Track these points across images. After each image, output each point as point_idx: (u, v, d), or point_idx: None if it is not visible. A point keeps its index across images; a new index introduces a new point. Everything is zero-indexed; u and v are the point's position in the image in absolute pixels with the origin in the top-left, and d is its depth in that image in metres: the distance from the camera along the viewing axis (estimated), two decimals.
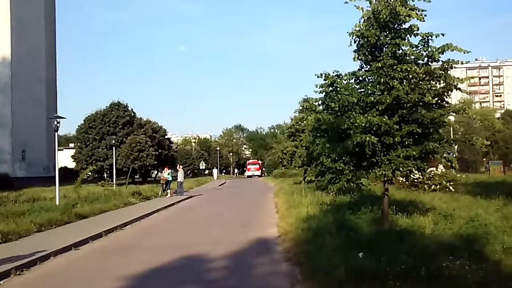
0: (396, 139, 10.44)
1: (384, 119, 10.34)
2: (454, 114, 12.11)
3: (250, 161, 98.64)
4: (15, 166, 46.20)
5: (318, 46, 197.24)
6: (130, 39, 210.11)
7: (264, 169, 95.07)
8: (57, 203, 19.41)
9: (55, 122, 20.67)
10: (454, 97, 67.14)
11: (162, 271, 9.18)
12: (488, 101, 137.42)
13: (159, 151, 54.96)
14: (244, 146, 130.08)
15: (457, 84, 10.64)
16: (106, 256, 10.99)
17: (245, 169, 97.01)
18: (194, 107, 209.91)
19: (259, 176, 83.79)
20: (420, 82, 10.77)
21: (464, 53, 10.33)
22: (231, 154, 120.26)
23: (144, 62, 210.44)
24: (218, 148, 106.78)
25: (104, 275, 8.92)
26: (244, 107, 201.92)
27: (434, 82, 11.02)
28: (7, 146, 45.96)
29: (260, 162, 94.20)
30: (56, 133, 20.97)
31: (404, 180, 21.26)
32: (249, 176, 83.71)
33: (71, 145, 78.29)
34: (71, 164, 59.39)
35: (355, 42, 11.32)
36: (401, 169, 10.55)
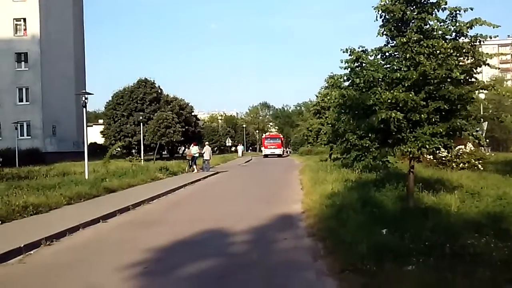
0: (422, 115, 10.26)
1: (410, 95, 10.16)
2: (483, 91, 11.79)
3: (268, 134, 77.97)
4: (46, 141, 47.23)
5: (346, 23, 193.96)
6: (158, 16, 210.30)
7: (289, 147, 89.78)
8: (86, 177, 19.85)
9: (83, 98, 21.02)
10: (486, 75, 65.33)
11: (186, 244, 9.34)
12: None
13: (186, 127, 55.55)
14: (270, 123, 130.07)
15: (486, 59, 10.36)
16: (133, 229, 11.23)
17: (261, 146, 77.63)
18: (221, 85, 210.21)
19: (279, 155, 65.35)
20: (448, 57, 10.50)
21: (493, 27, 10.00)
22: (257, 131, 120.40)
23: (171, 40, 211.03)
24: (244, 126, 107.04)
25: (130, 247, 9.13)
26: (270, 84, 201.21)
27: (462, 58, 10.74)
28: (38, 122, 46.94)
29: (281, 136, 74.52)
30: (84, 109, 21.31)
31: (431, 158, 20.97)
32: (266, 156, 65.42)
33: (100, 121, 79.53)
34: (100, 140, 60.46)
35: (380, 17, 11.13)
36: (427, 146, 10.37)
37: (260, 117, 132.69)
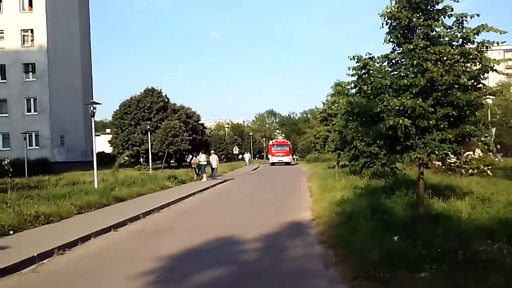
0: (431, 122, 10.29)
1: (418, 101, 10.19)
2: (491, 96, 11.80)
3: (276, 141, 75.26)
4: (54, 151, 47.56)
5: (351, 30, 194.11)
6: (162, 25, 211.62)
7: (296, 154, 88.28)
8: (96, 186, 19.96)
9: (92, 108, 21.14)
10: (492, 80, 65.15)
11: (197, 252, 9.38)
12: None
13: (193, 136, 55.77)
14: (277, 131, 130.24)
15: (494, 65, 10.37)
16: (144, 238, 11.29)
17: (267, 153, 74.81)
18: (227, 93, 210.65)
19: (287, 163, 63.20)
20: (455, 63, 10.53)
21: (500, 33, 10.02)
22: (264, 139, 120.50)
23: (176, 48, 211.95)
24: (251, 133, 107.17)
25: (142, 255, 9.17)
26: (277, 92, 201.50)
27: (469, 64, 10.76)
28: (46, 132, 47.30)
29: (289, 143, 72.63)
30: (92, 118, 21.47)
31: (440, 164, 20.92)
32: (273, 164, 63.60)
33: (108, 130, 79.95)
34: (108, 149, 60.76)
35: (386, 24, 11.19)
36: (436, 152, 10.38)
37: (267, 125, 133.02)
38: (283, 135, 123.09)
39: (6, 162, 14.24)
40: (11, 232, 11.16)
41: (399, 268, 6.65)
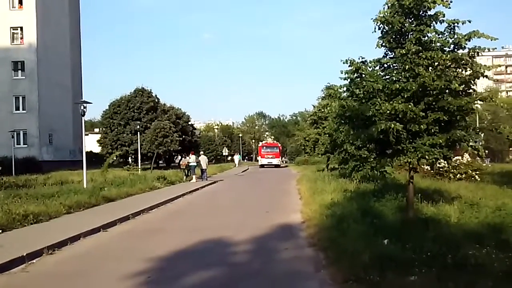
0: (422, 126, 10.38)
1: (409, 106, 10.27)
2: (481, 102, 11.94)
3: (265, 142, 73.09)
4: (42, 150, 47.14)
5: (340, 34, 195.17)
6: (152, 26, 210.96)
7: (285, 157, 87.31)
8: (85, 186, 19.84)
9: (82, 107, 21.03)
10: (480, 86, 65.78)
11: (188, 254, 9.37)
12: None
13: (183, 137, 55.55)
14: (266, 133, 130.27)
15: (484, 71, 10.49)
16: (134, 238, 11.26)
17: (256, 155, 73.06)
18: (216, 94, 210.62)
19: (276, 166, 62.25)
20: (447, 69, 10.66)
21: (491, 40, 10.18)
22: (253, 140, 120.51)
23: (166, 49, 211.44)
24: (240, 135, 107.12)
25: (132, 256, 9.15)
26: (266, 94, 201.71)
27: (460, 70, 10.89)
28: (34, 131, 46.86)
29: (279, 145, 71.44)
30: (83, 117, 21.36)
31: (429, 168, 21.12)
32: (262, 166, 61.95)
33: (96, 130, 79.49)
34: (96, 149, 60.39)
35: (379, 28, 11.27)
36: (427, 157, 10.46)
37: (256, 127, 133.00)
38: (273, 137, 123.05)
39: None
40: (0, 231, 11.06)
41: (389, 271, 6.69)
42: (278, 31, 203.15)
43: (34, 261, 8.80)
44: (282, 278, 7.43)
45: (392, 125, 10.11)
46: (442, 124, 10.53)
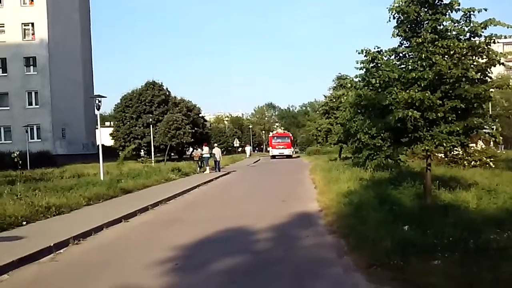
0: (439, 114, 10.46)
1: (427, 94, 10.35)
2: (497, 89, 11.96)
3: (276, 132, 71.51)
4: (56, 144, 47.69)
5: (351, 25, 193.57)
6: (161, 18, 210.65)
7: (295, 147, 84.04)
8: (102, 178, 20.12)
9: (97, 101, 21.29)
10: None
11: (211, 242, 9.55)
12: None
13: (194, 129, 55.84)
14: (276, 124, 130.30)
15: (500, 59, 10.53)
16: (156, 228, 11.47)
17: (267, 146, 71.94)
18: (225, 86, 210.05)
19: (288, 156, 60.16)
20: (463, 57, 10.70)
21: (507, 27, 10.22)
22: (263, 131, 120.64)
23: (176, 41, 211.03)
24: (250, 126, 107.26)
25: (156, 245, 9.35)
26: (276, 85, 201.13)
27: (476, 57, 10.92)
28: (47, 125, 47.41)
29: (291, 135, 68.39)
30: (98, 111, 21.66)
31: (443, 156, 21.12)
32: (274, 157, 60.25)
33: (107, 123, 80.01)
34: (108, 142, 60.89)
35: (394, 18, 11.34)
36: (444, 144, 10.56)
37: (266, 118, 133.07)
38: (283, 128, 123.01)
39: (15, 154, 14.36)
40: (24, 223, 11.32)
41: (412, 256, 6.83)
42: (288, 22, 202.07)
43: (61, 251, 9.03)
44: (306, 264, 7.58)
45: (410, 113, 10.22)
46: (459, 111, 10.60)
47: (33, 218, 11.83)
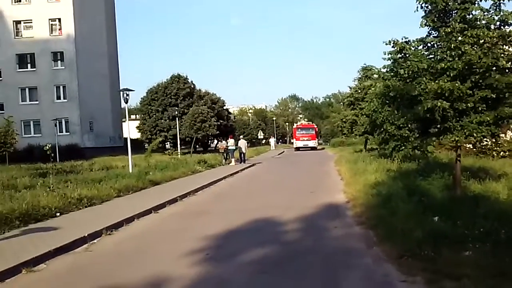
0: (469, 104, 10.35)
1: (456, 84, 10.26)
2: None
3: (300, 124, 69.82)
4: (84, 137, 48.54)
5: (374, 14, 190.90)
6: (184, 12, 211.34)
7: (320, 139, 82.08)
8: (131, 170, 20.48)
9: (125, 95, 21.62)
10: None
11: (240, 233, 9.69)
12: None
13: (219, 121, 56.20)
14: (300, 115, 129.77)
15: None
16: (185, 219, 11.67)
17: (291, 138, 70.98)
18: (249, 78, 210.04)
19: (313, 148, 58.64)
20: (493, 46, 10.55)
21: None
22: (287, 123, 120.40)
23: (199, 35, 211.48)
24: (274, 118, 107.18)
25: (186, 235, 9.53)
26: (299, 76, 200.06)
27: (507, 46, 10.76)
28: (75, 119, 48.24)
29: (315, 126, 67.00)
30: (126, 105, 22.01)
31: (471, 147, 20.84)
32: (298, 149, 58.78)
33: (133, 116, 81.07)
34: (134, 135, 61.71)
35: (421, 8, 11.24)
36: (474, 134, 10.48)
37: (290, 109, 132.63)
38: (306, 119, 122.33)
39: (48, 147, 14.73)
40: (58, 214, 11.63)
41: (443, 247, 6.83)
42: (312, 13, 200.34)
43: (95, 241, 9.27)
44: (336, 255, 7.65)
45: (439, 103, 10.14)
46: (489, 101, 10.48)
47: (66, 210, 12.15)
